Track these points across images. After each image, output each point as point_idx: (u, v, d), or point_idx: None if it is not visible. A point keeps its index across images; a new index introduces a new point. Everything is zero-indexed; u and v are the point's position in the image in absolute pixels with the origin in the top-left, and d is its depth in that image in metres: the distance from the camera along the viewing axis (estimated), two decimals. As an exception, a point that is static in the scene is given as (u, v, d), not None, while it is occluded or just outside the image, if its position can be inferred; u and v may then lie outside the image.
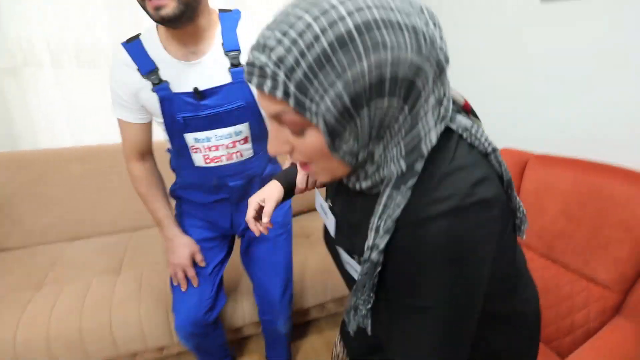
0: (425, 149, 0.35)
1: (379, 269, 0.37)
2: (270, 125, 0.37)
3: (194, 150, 0.86)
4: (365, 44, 0.28)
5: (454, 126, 0.37)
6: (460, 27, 1.46)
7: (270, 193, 0.65)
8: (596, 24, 1.01)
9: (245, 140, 0.88)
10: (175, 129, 0.83)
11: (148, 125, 0.89)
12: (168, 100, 0.80)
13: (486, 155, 0.38)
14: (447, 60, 0.34)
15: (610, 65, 1.00)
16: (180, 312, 0.95)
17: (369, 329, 0.41)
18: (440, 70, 0.34)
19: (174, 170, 0.99)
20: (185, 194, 0.98)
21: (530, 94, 1.24)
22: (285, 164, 0.85)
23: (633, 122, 0.97)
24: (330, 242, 0.53)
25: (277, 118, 0.34)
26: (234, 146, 0.87)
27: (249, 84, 0.44)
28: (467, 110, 0.42)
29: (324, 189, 0.58)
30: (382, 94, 0.31)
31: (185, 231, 0.98)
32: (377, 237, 0.35)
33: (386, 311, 0.39)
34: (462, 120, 0.38)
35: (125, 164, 0.92)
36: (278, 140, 0.36)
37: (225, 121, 0.83)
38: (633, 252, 0.87)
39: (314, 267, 1.29)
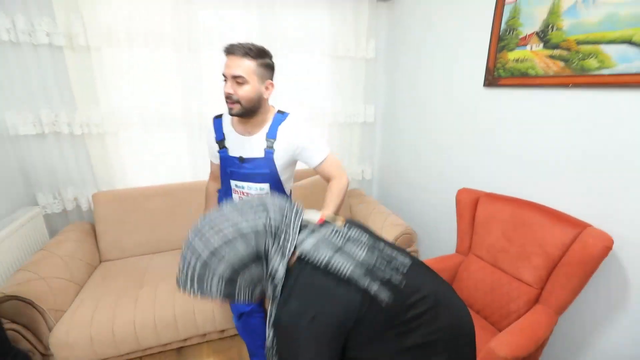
0: (279, 282, 0.62)
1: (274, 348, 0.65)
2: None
3: (234, 192, 1.26)
4: (211, 264, 0.59)
5: (298, 253, 0.63)
6: (428, 103, 1.98)
7: None
8: (518, 103, 1.50)
9: (267, 195, 1.25)
10: (225, 175, 1.25)
11: (216, 166, 1.33)
12: (225, 159, 1.23)
13: (324, 266, 0.61)
14: (277, 229, 0.62)
15: (530, 131, 1.47)
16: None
17: None
18: (275, 236, 0.61)
19: (219, 203, 1.36)
20: None
21: (480, 152, 1.72)
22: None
23: (545, 175, 1.43)
24: None
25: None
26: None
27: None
28: (321, 222, 0.69)
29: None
30: (241, 274, 0.60)
31: None
32: (269, 335, 0.65)
33: None
34: (305, 245, 0.64)
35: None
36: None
37: (255, 179, 1.21)
38: (545, 262, 1.30)
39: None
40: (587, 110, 1.26)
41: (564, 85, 1.31)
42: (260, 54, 1.09)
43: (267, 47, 2.06)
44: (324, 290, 0.60)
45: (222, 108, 1.20)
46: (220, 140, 1.22)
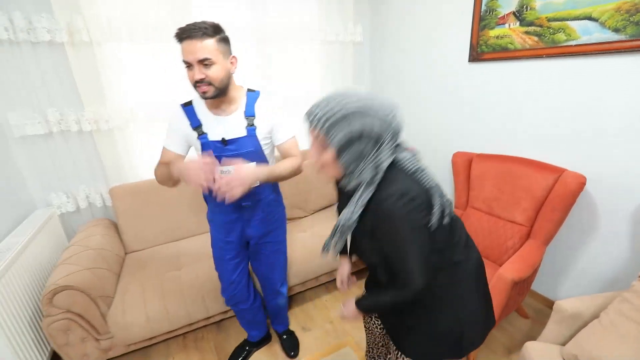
0: (381, 170, 0.74)
1: (354, 225, 0.78)
2: (312, 148, 0.78)
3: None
4: (351, 119, 0.69)
5: (398, 157, 0.77)
6: (417, 81, 2.20)
7: (343, 269, 1.06)
8: (500, 75, 1.76)
9: None
10: None
11: (174, 155, 1.21)
12: (206, 145, 1.16)
13: (413, 173, 0.76)
14: (398, 131, 0.72)
15: (512, 97, 1.74)
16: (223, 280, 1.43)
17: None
18: (393, 135, 0.72)
19: (205, 199, 1.35)
20: (213, 217, 1.35)
21: (469, 119, 1.97)
22: None
23: (526, 133, 1.71)
24: None
25: (314, 143, 0.76)
26: None
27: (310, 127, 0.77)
28: (411, 150, 0.81)
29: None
30: (360, 141, 0.71)
31: (215, 244, 1.38)
32: (351, 211, 0.77)
33: (376, 252, 0.82)
34: (403, 155, 0.77)
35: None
36: (314, 155, 0.79)
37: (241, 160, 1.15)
38: (532, 204, 1.58)
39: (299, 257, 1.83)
40: (559, 75, 1.53)
41: (539, 56, 1.57)
42: (216, 30, 1.04)
43: (261, 36, 2.21)
44: (415, 187, 0.74)
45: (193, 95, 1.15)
46: (198, 126, 1.16)
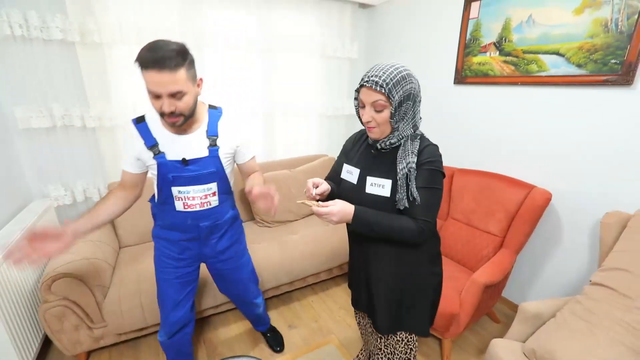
0: (417, 127, 0.93)
1: (414, 174, 0.88)
2: (367, 109, 0.89)
3: (177, 199, 1.12)
4: (406, 81, 0.85)
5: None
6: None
7: (322, 181, 1.04)
8: (481, 97, 1.93)
9: (214, 194, 1.17)
10: (166, 183, 1.09)
11: (130, 175, 1.15)
12: (164, 165, 1.07)
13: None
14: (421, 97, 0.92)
15: (490, 119, 1.91)
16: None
17: (404, 204, 0.90)
18: (420, 99, 0.91)
19: (154, 215, 1.25)
20: (164, 234, 1.22)
21: (451, 137, 2.14)
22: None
23: (502, 152, 1.88)
24: (349, 189, 1.02)
25: (373, 104, 0.87)
26: (205, 197, 1.15)
27: (367, 89, 0.87)
28: None
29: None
30: (409, 100, 0.87)
31: (162, 262, 1.24)
32: (410, 161, 0.88)
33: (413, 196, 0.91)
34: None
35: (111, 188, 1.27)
36: (370, 117, 0.89)
37: (201, 180, 1.12)
38: (505, 216, 1.73)
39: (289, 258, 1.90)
40: (531, 101, 1.71)
41: (515, 83, 1.76)
42: (185, 54, 0.94)
43: (266, 47, 2.35)
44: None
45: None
46: (153, 145, 1.06)
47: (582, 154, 1.55)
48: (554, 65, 1.58)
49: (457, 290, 1.57)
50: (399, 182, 0.91)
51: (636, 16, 1.30)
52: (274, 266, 1.85)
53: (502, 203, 1.75)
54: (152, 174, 1.13)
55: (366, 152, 1.03)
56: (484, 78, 1.90)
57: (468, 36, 1.94)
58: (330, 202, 0.92)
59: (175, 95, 0.95)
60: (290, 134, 2.68)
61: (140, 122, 1.09)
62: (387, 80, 0.84)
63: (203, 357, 1.65)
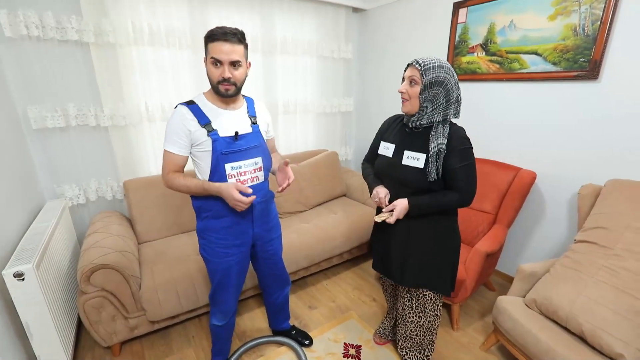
0: (448, 119, 1.14)
1: (444, 153, 1.11)
2: (405, 83, 1.14)
3: (230, 177, 1.20)
4: (443, 71, 1.08)
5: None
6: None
7: (383, 190, 1.27)
8: (470, 93, 2.18)
9: (260, 169, 1.29)
10: (219, 160, 1.18)
11: (183, 158, 1.21)
12: (218, 141, 1.17)
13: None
14: (460, 104, 1.15)
15: (479, 112, 2.16)
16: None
17: (433, 177, 1.13)
18: (458, 103, 1.13)
19: (197, 209, 1.27)
20: (215, 224, 1.26)
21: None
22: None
23: (492, 140, 2.14)
24: (386, 163, 1.26)
25: (409, 77, 1.12)
26: (254, 172, 1.27)
27: (411, 67, 1.13)
28: None
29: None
30: (439, 87, 1.09)
31: (217, 253, 1.29)
32: (440, 142, 1.10)
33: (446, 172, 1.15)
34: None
35: (163, 177, 1.23)
36: (403, 87, 1.15)
37: (250, 154, 1.25)
38: (497, 195, 1.97)
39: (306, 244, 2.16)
40: (515, 95, 1.97)
41: (500, 80, 2.01)
42: (244, 37, 1.15)
43: (268, 47, 2.47)
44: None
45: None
46: (207, 123, 1.17)
47: (561, 139, 1.82)
48: (533, 63, 1.85)
49: (461, 262, 1.78)
50: (430, 159, 1.12)
51: (599, 22, 1.58)
52: (294, 251, 1.98)
53: (494, 184, 1.99)
54: (203, 154, 1.19)
55: (401, 131, 1.24)
56: (473, 75, 2.14)
57: (457, 38, 2.18)
58: (391, 206, 1.20)
59: (234, 64, 1.14)
60: (290, 131, 2.81)
61: (190, 104, 1.19)
62: (426, 63, 1.08)
63: (235, 340, 1.74)
